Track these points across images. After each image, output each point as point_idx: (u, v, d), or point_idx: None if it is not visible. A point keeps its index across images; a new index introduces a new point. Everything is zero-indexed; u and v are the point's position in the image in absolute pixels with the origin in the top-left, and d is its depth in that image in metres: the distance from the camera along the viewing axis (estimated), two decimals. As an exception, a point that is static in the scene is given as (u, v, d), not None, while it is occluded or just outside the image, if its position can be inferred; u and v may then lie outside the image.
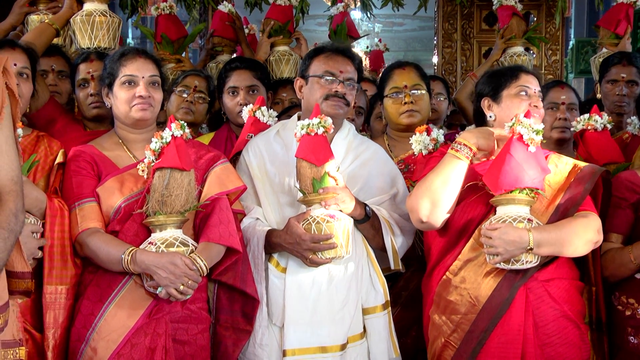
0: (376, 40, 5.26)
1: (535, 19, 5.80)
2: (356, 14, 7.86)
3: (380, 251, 2.86)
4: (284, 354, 2.75)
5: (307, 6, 5.23)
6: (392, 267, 2.84)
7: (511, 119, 2.62)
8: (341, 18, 4.85)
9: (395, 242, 2.82)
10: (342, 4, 4.88)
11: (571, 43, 7.06)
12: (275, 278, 2.82)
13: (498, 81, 2.83)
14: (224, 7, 4.72)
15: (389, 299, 2.83)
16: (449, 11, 5.77)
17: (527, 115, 2.63)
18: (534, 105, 2.73)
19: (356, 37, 4.99)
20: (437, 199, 2.65)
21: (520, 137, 2.55)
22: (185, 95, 3.62)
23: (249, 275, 2.82)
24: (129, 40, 7.28)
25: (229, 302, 2.90)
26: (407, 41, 7.56)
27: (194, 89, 3.66)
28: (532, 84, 2.80)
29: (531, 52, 5.00)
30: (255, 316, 2.80)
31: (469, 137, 2.69)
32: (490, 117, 2.81)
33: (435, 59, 5.89)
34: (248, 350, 2.81)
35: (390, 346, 2.82)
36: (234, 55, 4.72)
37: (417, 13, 5.43)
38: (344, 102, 2.88)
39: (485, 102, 2.84)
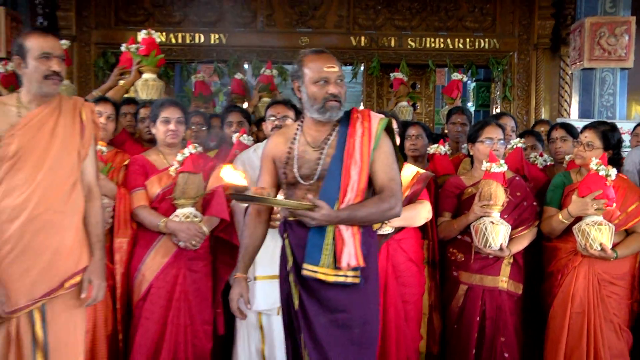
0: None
1: (418, 85, 5.93)
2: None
3: None
4: (255, 278, 2.77)
5: (286, 75, 5.36)
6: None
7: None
8: (265, 79, 4.81)
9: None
10: (270, 70, 4.84)
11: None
12: None
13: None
14: (239, 76, 4.94)
15: None
16: (369, 80, 5.95)
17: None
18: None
19: (274, 90, 4.86)
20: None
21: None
22: (193, 127, 3.59)
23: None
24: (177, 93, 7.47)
25: (222, 247, 2.92)
26: (356, 97, 8.00)
27: (196, 124, 3.64)
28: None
29: (416, 105, 5.17)
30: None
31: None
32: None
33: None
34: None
35: None
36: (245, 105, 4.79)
37: (351, 81, 5.55)
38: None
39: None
